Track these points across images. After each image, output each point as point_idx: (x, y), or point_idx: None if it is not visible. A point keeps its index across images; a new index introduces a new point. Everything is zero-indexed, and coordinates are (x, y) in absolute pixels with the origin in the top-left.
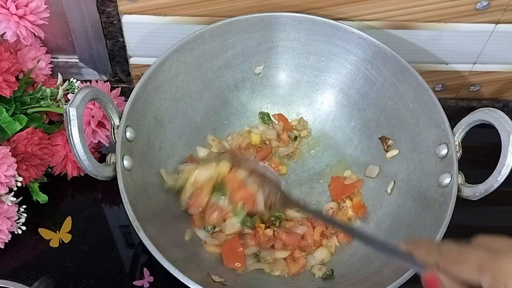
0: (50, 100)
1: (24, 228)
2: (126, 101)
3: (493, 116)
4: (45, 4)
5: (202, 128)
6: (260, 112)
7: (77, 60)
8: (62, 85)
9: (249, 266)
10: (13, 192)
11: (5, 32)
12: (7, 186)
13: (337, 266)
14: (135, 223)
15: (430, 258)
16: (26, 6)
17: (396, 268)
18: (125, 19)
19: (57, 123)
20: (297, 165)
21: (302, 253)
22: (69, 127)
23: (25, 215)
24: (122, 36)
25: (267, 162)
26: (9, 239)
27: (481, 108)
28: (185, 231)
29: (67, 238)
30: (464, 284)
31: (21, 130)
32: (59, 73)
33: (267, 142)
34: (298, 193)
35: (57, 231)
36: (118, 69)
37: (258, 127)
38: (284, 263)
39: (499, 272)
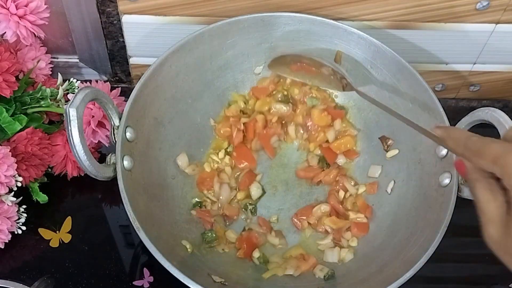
0: (50, 100)
1: (24, 228)
2: (126, 101)
3: (493, 115)
4: (45, 4)
5: (202, 128)
6: None
7: (77, 60)
8: (62, 85)
9: (264, 274)
10: (13, 192)
11: (5, 32)
12: (7, 186)
13: (338, 266)
14: (135, 223)
15: (458, 149)
16: (26, 6)
17: (396, 268)
18: (125, 19)
19: (57, 123)
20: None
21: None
22: (69, 127)
23: (25, 215)
24: (122, 36)
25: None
26: (9, 239)
27: (481, 108)
28: (185, 232)
29: (67, 238)
30: (484, 171)
31: (21, 130)
32: (59, 73)
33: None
34: (299, 188)
35: (57, 231)
36: (118, 69)
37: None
38: (296, 260)
39: (509, 166)
